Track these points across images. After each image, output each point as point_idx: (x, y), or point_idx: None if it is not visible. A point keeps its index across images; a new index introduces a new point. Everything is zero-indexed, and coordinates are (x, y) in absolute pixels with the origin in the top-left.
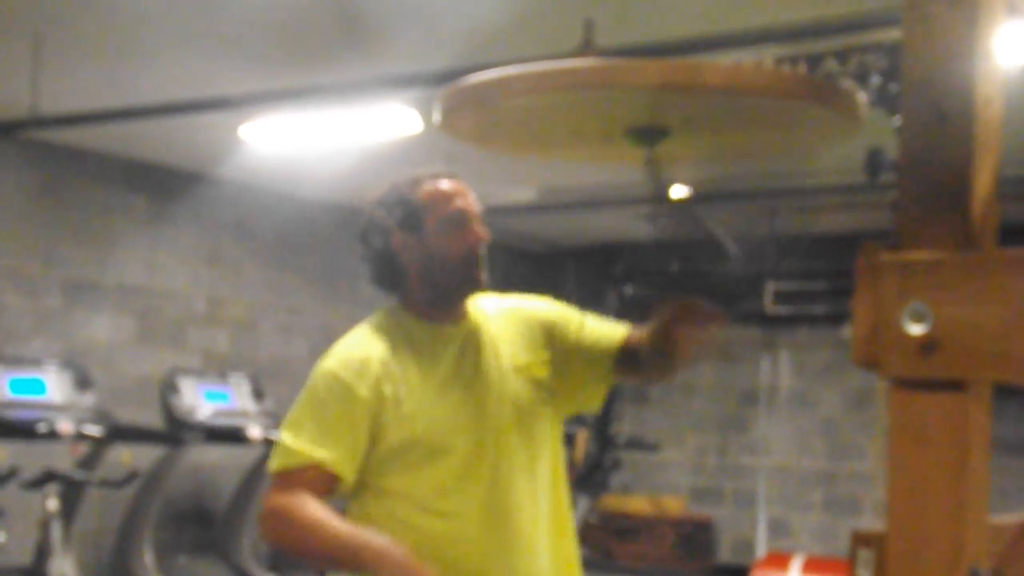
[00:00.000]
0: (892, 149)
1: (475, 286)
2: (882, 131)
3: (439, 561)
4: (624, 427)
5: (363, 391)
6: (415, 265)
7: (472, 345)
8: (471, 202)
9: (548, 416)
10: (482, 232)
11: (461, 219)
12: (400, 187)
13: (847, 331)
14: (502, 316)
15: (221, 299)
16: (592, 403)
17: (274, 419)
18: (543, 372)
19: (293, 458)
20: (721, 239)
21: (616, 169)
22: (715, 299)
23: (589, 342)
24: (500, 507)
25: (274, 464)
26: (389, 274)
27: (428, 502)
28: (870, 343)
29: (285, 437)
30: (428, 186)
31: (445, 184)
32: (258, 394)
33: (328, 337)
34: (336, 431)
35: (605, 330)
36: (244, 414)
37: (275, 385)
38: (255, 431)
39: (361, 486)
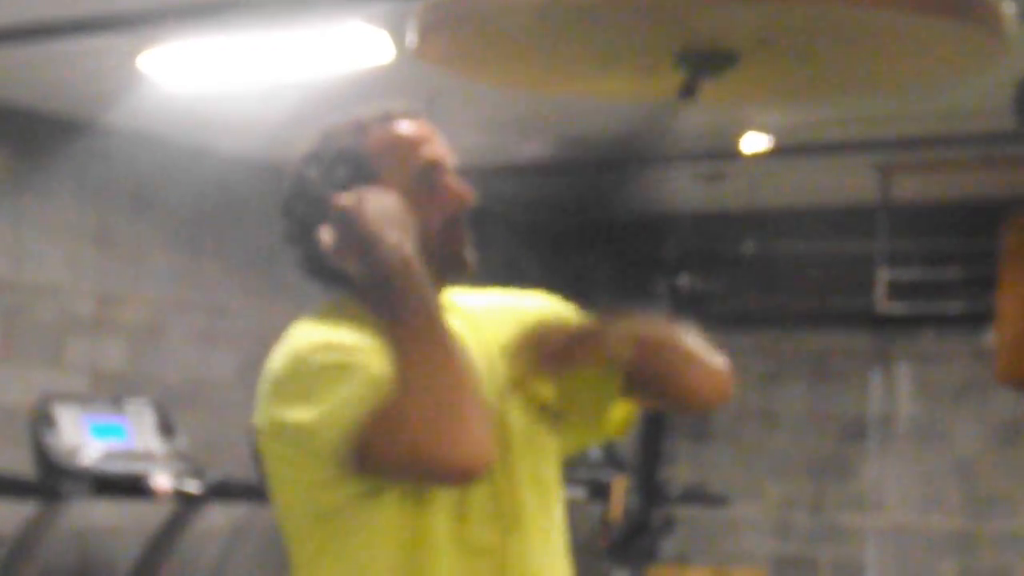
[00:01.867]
0: None
1: (457, 267)
2: None
3: None
4: (680, 472)
5: (372, 362)
6: None
7: None
8: (443, 150)
9: (555, 450)
10: (464, 190)
11: (433, 174)
12: (340, 135)
13: (990, 337)
14: (491, 316)
15: (114, 296)
16: (605, 431)
17: (188, 463)
18: (546, 389)
19: (352, 409)
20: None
21: (663, 111)
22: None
23: None
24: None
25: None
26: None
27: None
28: (1020, 353)
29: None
30: (381, 131)
31: (405, 127)
32: (166, 428)
33: (264, 347)
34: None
35: None
36: (147, 456)
37: (189, 415)
38: (162, 480)
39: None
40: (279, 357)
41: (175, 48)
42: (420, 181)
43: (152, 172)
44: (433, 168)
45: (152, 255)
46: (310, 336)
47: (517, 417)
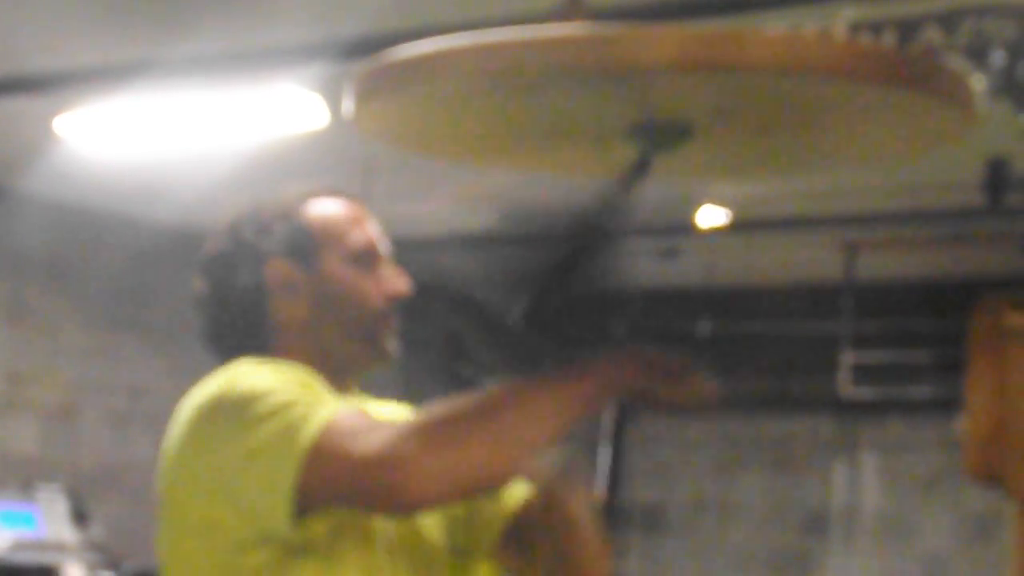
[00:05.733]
0: (1022, 158)
1: (380, 356)
2: (1007, 132)
3: None
4: (631, 567)
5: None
6: (298, 310)
7: None
8: (380, 236)
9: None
10: (401, 280)
11: (372, 257)
12: (278, 203)
13: (961, 425)
14: None
15: (25, 374)
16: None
17: (103, 553)
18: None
19: (318, 411)
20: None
21: (621, 187)
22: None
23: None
24: None
25: (305, 437)
26: (248, 323)
27: None
28: (990, 446)
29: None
30: (320, 208)
31: (345, 207)
32: (79, 516)
33: None
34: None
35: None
36: (58, 546)
37: (104, 503)
38: (75, 572)
39: None
40: (205, 390)
41: (94, 111)
42: (360, 261)
43: (68, 242)
44: (372, 251)
45: (67, 331)
46: (248, 365)
47: (437, 534)
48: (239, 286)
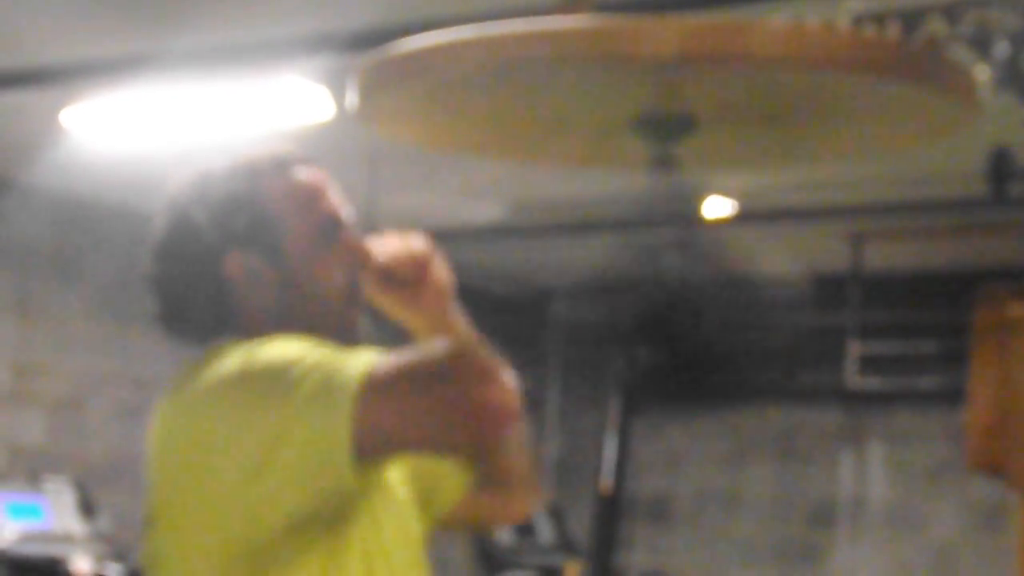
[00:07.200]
0: None
1: (349, 338)
2: (1011, 123)
3: None
4: (637, 557)
5: None
6: (264, 299)
7: None
8: (343, 201)
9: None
10: (366, 247)
11: (336, 228)
12: (229, 178)
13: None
14: None
15: (33, 366)
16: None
17: (110, 545)
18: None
19: (361, 359)
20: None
21: (620, 176)
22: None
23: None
24: None
25: (355, 375)
26: (212, 313)
27: None
28: (993, 438)
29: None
30: (278, 178)
31: (303, 175)
32: (87, 508)
33: None
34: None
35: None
36: (66, 538)
37: (112, 495)
38: (82, 563)
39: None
40: (213, 374)
41: (100, 103)
42: (323, 235)
43: (74, 234)
44: (336, 221)
45: (74, 323)
46: (260, 344)
47: (410, 512)
48: (199, 278)
